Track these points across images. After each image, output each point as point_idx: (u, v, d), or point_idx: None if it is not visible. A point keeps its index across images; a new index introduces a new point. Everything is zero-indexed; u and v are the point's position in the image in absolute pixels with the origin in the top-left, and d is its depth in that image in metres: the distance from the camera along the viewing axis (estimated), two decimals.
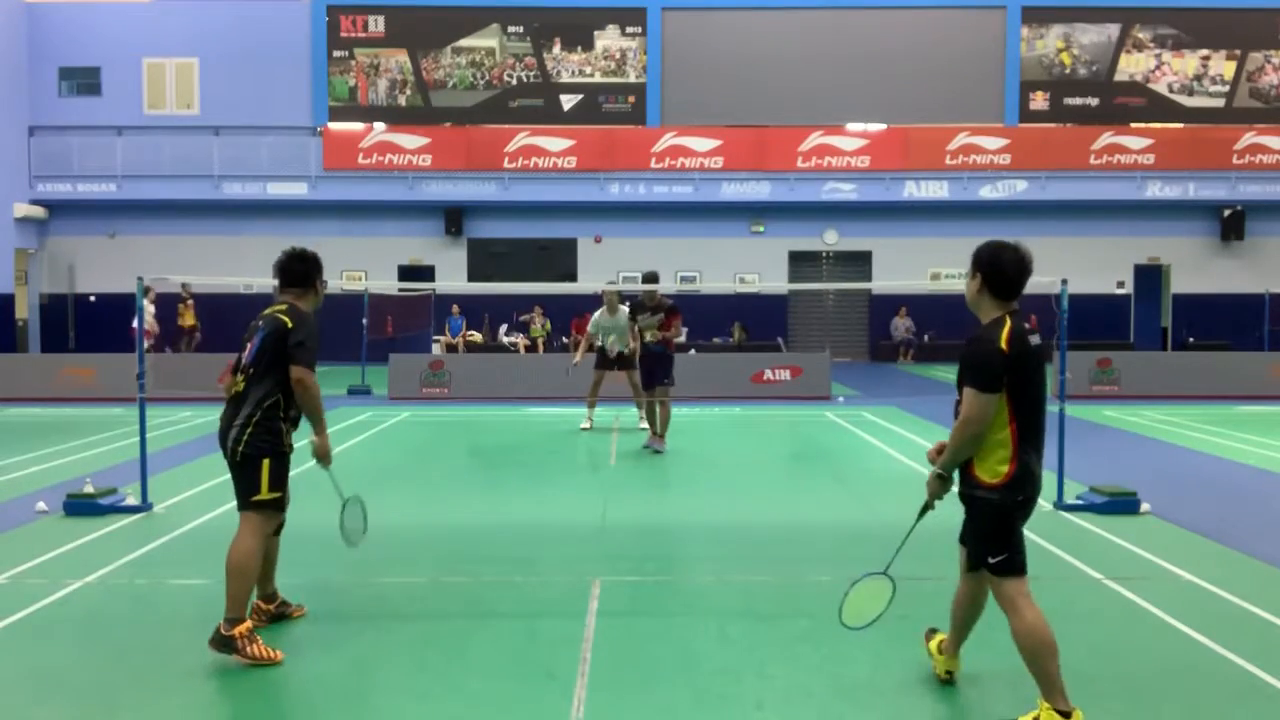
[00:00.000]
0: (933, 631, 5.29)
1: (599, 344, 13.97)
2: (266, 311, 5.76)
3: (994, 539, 4.47)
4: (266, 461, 5.48)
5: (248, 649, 5.24)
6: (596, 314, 13.98)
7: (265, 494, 5.49)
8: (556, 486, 10.38)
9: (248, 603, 5.40)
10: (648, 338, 12.53)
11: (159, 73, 28.15)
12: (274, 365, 5.55)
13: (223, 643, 5.27)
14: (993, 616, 6.02)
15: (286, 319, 5.62)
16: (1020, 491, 4.41)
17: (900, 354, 28.25)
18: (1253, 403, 17.91)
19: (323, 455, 5.76)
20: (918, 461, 11.44)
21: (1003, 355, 4.32)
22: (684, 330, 25.90)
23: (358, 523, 6.13)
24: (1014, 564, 4.46)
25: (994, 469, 4.41)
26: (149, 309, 21.54)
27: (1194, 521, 8.47)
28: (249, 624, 5.34)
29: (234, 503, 5.62)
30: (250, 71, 27.80)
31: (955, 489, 4.63)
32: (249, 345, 5.67)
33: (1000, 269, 4.48)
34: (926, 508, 4.74)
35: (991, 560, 4.48)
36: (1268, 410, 16.92)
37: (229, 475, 5.62)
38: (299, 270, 5.83)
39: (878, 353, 28.76)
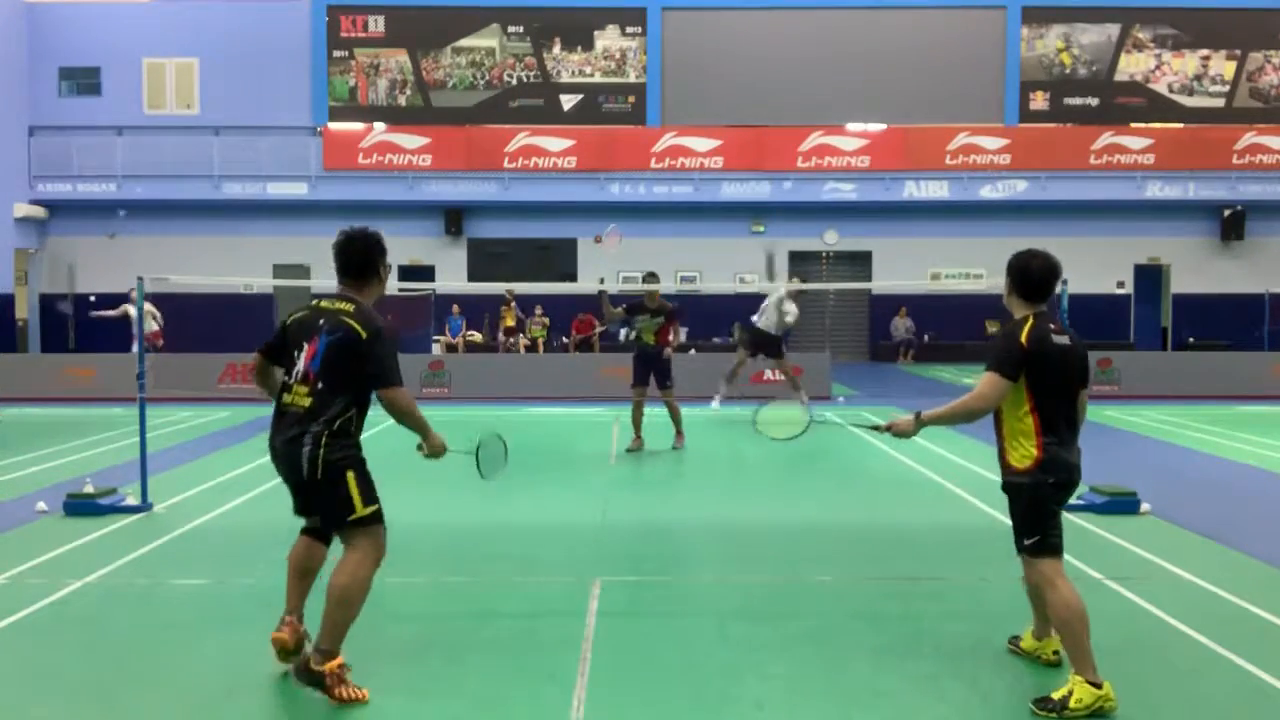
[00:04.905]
0: (1015, 638, 5.45)
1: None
2: (325, 305, 4.88)
3: (1027, 522, 4.81)
4: (350, 475, 4.74)
5: (335, 689, 4.68)
6: None
7: (362, 509, 4.76)
8: (556, 486, 10.36)
9: (344, 636, 4.77)
10: (646, 339, 12.44)
11: (159, 73, 28.15)
12: (347, 382, 4.74)
13: (311, 678, 4.73)
14: (990, 626, 6.02)
15: (358, 327, 4.74)
16: (1050, 474, 4.74)
17: (900, 354, 28.23)
18: (1253, 403, 17.90)
19: (438, 453, 5.10)
20: (918, 461, 11.44)
21: (1022, 348, 4.77)
22: (683, 331, 25.91)
23: (498, 461, 5.53)
24: (1047, 545, 4.79)
25: (1022, 456, 4.79)
26: (150, 310, 21.48)
27: (1194, 521, 8.46)
28: (341, 659, 4.74)
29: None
30: (250, 71, 27.79)
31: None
32: (307, 347, 4.80)
33: (1027, 274, 4.99)
34: (879, 429, 5.13)
35: (1026, 542, 4.83)
36: (1268, 410, 16.91)
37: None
38: (359, 254, 4.94)
39: (878, 353, 28.75)
